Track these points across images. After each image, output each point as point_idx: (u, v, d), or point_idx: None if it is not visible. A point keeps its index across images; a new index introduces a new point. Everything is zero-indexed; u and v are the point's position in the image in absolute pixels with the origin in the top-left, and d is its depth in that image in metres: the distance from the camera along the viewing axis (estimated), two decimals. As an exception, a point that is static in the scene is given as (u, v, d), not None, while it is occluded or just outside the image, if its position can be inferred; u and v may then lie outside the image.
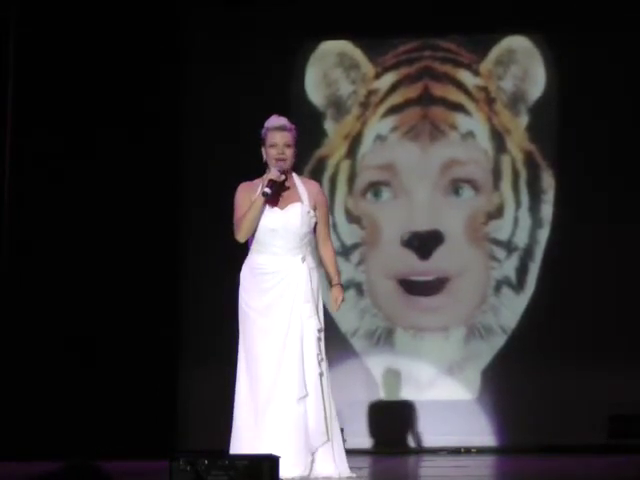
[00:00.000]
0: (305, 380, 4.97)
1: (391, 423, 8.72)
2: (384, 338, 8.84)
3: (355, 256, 8.91)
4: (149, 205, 8.61)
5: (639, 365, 8.40)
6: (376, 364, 8.79)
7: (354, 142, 9.04)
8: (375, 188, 9.01)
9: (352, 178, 9.02)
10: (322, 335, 5.08)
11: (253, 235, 5.12)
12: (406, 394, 8.72)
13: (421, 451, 8.47)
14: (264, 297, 5.05)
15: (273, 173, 5.04)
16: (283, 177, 5.07)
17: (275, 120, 5.13)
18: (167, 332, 8.64)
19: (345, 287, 8.71)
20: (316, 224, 5.20)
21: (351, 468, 5.18)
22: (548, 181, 8.84)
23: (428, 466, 6.95)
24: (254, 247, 5.14)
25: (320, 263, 5.28)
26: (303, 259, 5.08)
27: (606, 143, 8.66)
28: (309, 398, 4.99)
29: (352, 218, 8.97)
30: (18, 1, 8.44)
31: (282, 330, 5.00)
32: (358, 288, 8.91)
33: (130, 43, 8.66)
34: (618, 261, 8.57)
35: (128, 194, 8.56)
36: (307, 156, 8.98)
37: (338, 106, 9.10)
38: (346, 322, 8.84)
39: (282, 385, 4.96)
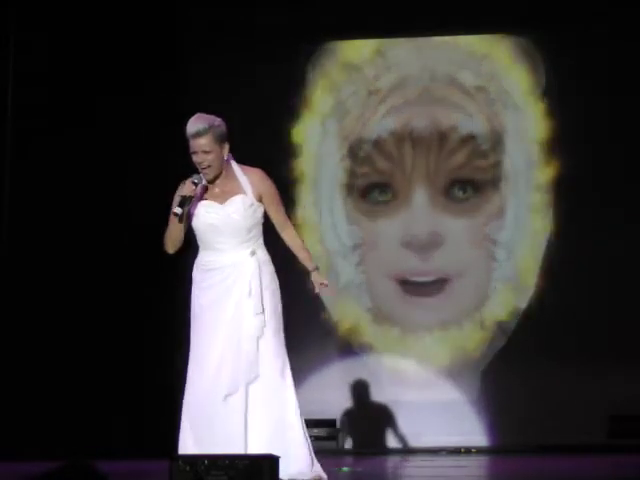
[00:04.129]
0: (233, 379, 4.70)
1: (390, 423, 8.71)
2: (383, 338, 8.84)
3: (355, 257, 8.91)
4: (149, 205, 8.60)
5: (638, 365, 8.41)
6: (375, 364, 8.79)
7: (355, 142, 9.04)
8: (375, 189, 9.00)
9: (352, 179, 9.02)
10: (269, 332, 4.75)
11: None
12: (405, 394, 8.71)
13: (421, 451, 8.47)
14: (210, 293, 4.79)
15: (187, 188, 4.75)
16: (199, 190, 4.74)
17: (189, 126, 4.76)
18: (167, 331, 8.64)
19: (345, 287, 8.84)
20: (267, 214, 4.91)
21: (328, 469, 4.92)
22: (548, 181, 8.84)
23: (428, 466, 6.95)
24: (200, 245, 4.89)
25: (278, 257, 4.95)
26: (252, 253, 4.80)
27: (606, 143, 8.66)
28: (235, 399, 4.71)
29: (352, 219, 8.97)
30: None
31: (225, 326, 4.75)
32: (358, 288, 8.91)
33: (130, 44, 8.65)
34: (618, 261, 8.56)
35: (128, 193, 8.56)
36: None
37: (339, 106, 9.10)
38: (345, 322, 8.85)
39: (220, 383, 4.72)
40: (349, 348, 8.83)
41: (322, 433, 8.41)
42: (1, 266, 8.26)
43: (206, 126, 4.72)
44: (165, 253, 4.93)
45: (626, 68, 8.70)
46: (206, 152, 4.74)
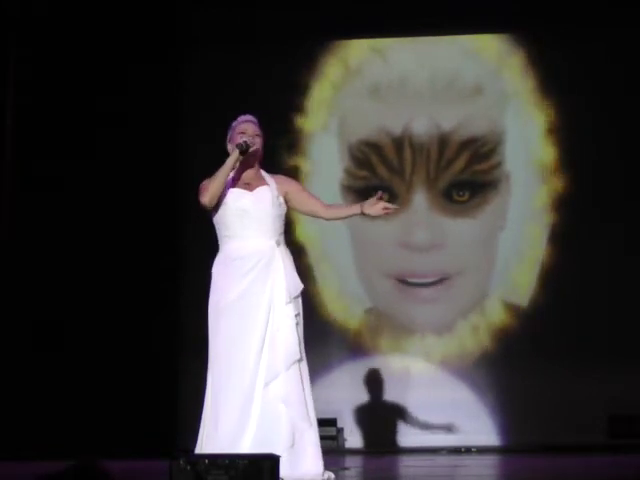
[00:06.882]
0: (271, 366, 4.82)
1: (391, 423, 8.72)
2: (384, 338, 8.84)
3: (355, 257, 8.91)
4: (149, 204, 8.62)
5: (638, 365, 8.41)
6: (376, 364, 8.79)
7: (354, 144, 9.03)
8: (374, 191, 8.98)
9: (352, 180, 9.01)
10: (300, 320, 4.94)
11: (219, 227, 5.02)
12: (406, 394, 8.72)
13: (421, 451, 8.47)
14: (241, 283, 4.90)
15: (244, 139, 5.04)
16: (253, 147, 5.01)
17: (245, 116, 5.15)
18: (168, 332, 8.65)
19: (345, 287, 8.84)
20: (286, 209, 5.10)
21: (331, 468, 5.00)
22: (548, 183, 8.84)
23: (428, 466, 6.94)
24: (224, 235, 5.01)
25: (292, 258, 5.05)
26: (278, 243, 4.96)
27: (607, 143, 8.67)
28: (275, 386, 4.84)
29: (351, 219, 8.91)
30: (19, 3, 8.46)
31: (263, 314, 4.87)
32: (358, 288, 8.90)
33: (131, 43, 8.67)
34: (617, 261, 8.57)
35: (127, 194, 8.57)
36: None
37: (340, 106, 9.09)
38: (346, 322, 8.85)
39: (260, 371, 4.82)
40: (349, 348, 8.82)
41: (322, 432, 8.38)
42: (7, 262, 8.26)
43: (256, 119, 5.15)
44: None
45: (626, 66, 8.71)
46: (257, 135, 5.09)
